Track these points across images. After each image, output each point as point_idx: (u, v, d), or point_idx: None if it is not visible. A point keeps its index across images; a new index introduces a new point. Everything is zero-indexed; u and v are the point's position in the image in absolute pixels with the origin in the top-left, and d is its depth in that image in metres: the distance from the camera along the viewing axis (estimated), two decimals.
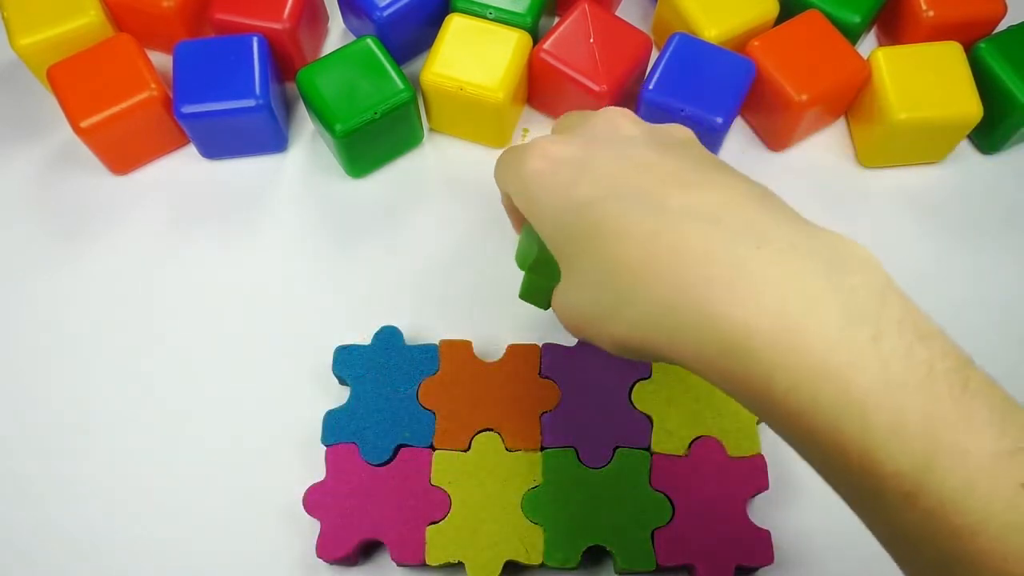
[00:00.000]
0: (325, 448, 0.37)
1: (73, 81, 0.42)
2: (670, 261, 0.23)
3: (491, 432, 0.38)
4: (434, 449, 0.37)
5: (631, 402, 0.38)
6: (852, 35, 0.45)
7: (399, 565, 0.37)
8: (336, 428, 0.37)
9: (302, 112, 0.48)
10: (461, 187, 0.46)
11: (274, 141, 0.46)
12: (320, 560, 0.36)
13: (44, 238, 0.45)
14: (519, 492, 0.36)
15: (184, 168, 0.46)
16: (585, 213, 0.25)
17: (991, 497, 0.19)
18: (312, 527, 0.36)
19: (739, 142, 0.47)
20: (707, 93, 0.42)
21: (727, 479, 0.36)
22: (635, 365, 0.38)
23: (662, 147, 0.27)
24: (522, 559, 0.35)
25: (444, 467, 0.37)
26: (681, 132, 0.29)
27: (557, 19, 0.47)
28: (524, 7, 0.44)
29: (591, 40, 0.43)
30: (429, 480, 0.37)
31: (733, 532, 0.36)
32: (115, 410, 0.41)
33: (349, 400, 0.38)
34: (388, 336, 0.39)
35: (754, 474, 0.37)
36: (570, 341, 0.39)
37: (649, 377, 0.38)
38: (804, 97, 0.42)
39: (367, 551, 0.38)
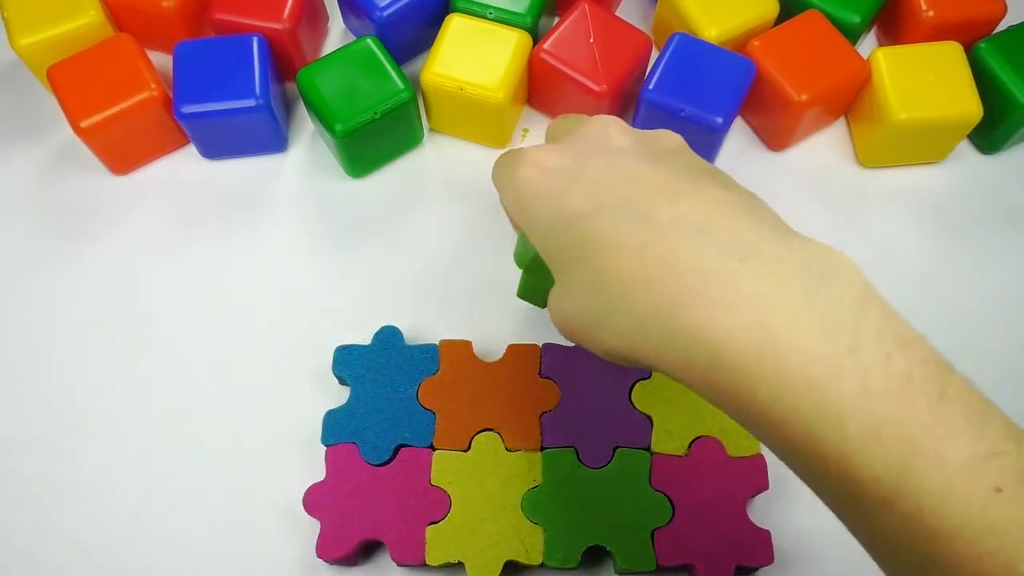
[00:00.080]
0: (325, 448, 0.37)
1: (73, 81, 0.42)
2: (658, 273, 0.24)
3: (491, 432, 0.38)
4: (434, 449, 0.37)
5: (631, 402, 0.38)
6: (852, 35, 0.45)
7: (399, 565, 0.37)
8: (336, 428, 0.37)
9: (302, 112, 0.48)
10: (461, 187, 0.46)
11: (274, 141, 0.46)
12: (320, 560, 0.36)
13: (44, 238, 0.45)
14: (519, 492, 0.36)
15: (184, 168, 0.46)
16: (576, 224, 0.26)
17: (967, 501, 0.20)
18: (312, 527, 0.36)
19: (739, 142, 0.47)
20: (707, 93, 0.42)
21: (727, 479, 0.36)
22: None
23: (652, 156, 0.27)
24: (522, 559, 0.35)
25: (444, 467, 0.37)
26: (671, 140, 0.29)
27: (557, 19, 0.47)
28: (524, 7, 0.44)
29: (591, 40, 0.43)
30: (429, 480, 0.37)
31: (733, 532, 0.36)
32: (115, 410, 0.41)
33: (349, 400, 0.38)
34: (388, 336, 0.39)
35: (754, 474, 0.37)
36: (570, 341, 0.39)
37: (649, 377, 0.38)
38: (804, 97, 0.42)
39: (367, 551, 0.38)
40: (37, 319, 0.43)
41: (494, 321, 0.42)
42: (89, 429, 0.40)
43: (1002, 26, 0.45)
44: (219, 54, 0.43)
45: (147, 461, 0.40)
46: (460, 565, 0.35)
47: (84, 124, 0.41)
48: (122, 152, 0.45)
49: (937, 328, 0.43)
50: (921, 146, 0.45)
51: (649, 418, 0.38)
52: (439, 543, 0.35)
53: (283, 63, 0.46)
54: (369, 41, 0.43)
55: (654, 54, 0.47)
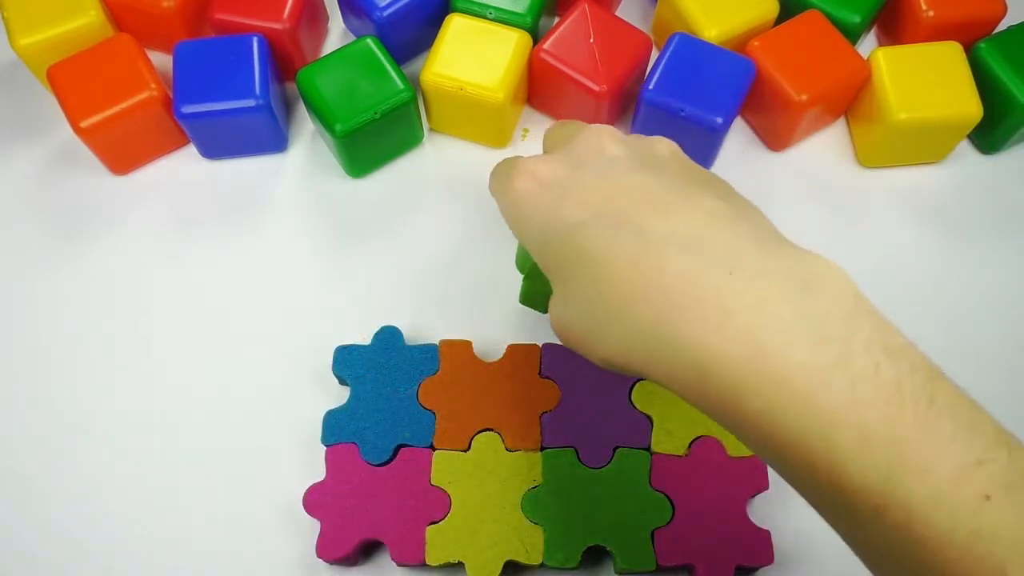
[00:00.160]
0: (325, 448, 0.37)
1: (73, 81, 0.42)
2: (649, 288, 0.24)
3: (491, 432, 0.38)
4: (434, 449, 0.37)
5: (631, 402, 0.38)
6: (852, 35, 0.45)
7: (399, 565, 0.37)
8: (336, 428, 0.37)
9: (302, 112, 0.48)
10: (461, 187, 0.46)
11: (274, 141, 0.46)
12: (320, 560, 0.36)
13: (44, 238, 0.45)
14: (519, 492, 0.36)
15: (184, 168, 0.46)
16: (569, 237, 0.26)
17: (956, 508, 0.20)
18: (312, 527, 0.36)
19: (739, 142, 0.47)
20: (707, 93, 0.42)
21: (727, 479, 0.36)
22: None
23: (646, 166, 0.28)
24: (522, 559, 0.35)
25: (444, 467, 0.37)
26: (664, 148, 0.29)
27: (557, 19, 0.47)
28: (524, 7, 0.44)
29: (591, 40, 0.43)
30: (429, 480, 0.37)
31: (733, 532, 0.36)
32: (114, 410, 0.41)
33: (349, 400, 0.38)
34: (388, 336, 0.39)
35: (754, 474, 0.37)
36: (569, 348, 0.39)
37: None
38: (804, 97, 0.42)
39: (367, 551, 0.38)
40: (37, 319, 0.43)
41: (494, 321, 0.42)
42: (89, 429, 0.40)
43: (1002, 26, 0.45)
44: (219, 54, 0.43)
45: (147, 461, 0.40)
46: (460, 565, 0.35)
47: (84, 124, 0.41)
48: (122, 152, 0.45)
49: (937, 328, 0.43)
50: (921, 146, 0.45)
51: (649, 418, 0.38)
52: (439, 543, 0.35)
53: (283, 63, 0.46)
54: (369, 41, 0.43)
55: (654, 54, 0.47)
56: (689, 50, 0.43)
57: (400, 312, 0.41)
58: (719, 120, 0.41)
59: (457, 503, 0.36)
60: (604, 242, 0.25)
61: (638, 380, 0.38)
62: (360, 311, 0.42)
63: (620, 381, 0.38)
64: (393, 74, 0.42)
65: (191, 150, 0.46)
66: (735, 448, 0.37)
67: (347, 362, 0.39)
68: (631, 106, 0.46)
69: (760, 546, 0.36)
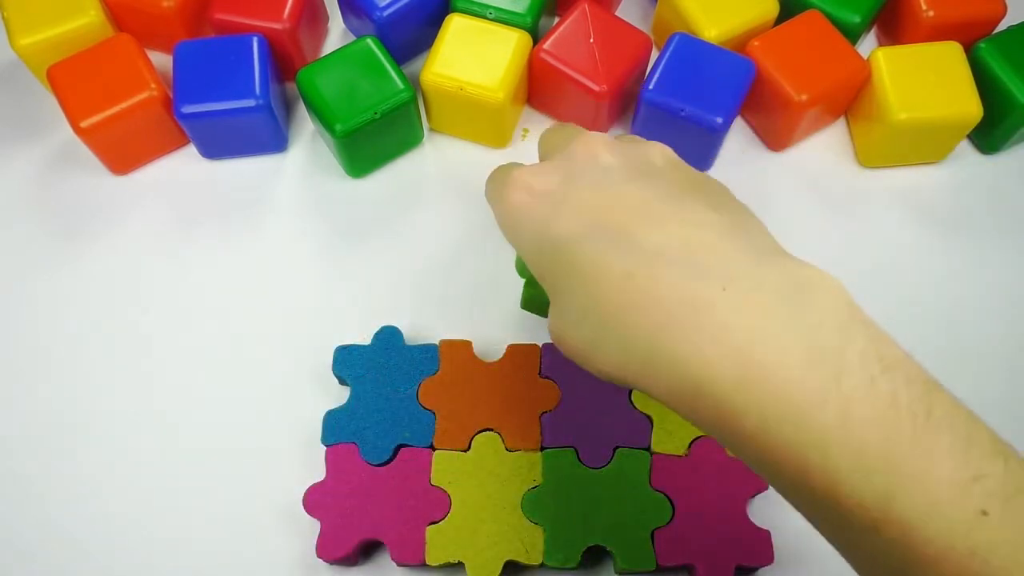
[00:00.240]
0: (325, 448, 0.37)
1: (73, 81, 0.42)
2: (643, 303, 0.24)
3: (491, 432, 0.38)
4: (434, 449, 0.37)
5: (631, 402, 0.38)
6: (852, 35, 0.45)
7: (399, 565, 0.37)
8: (336, 428, 0.37)
9: (302, 112, 0.48)
10: (461, 187, 0.46)
11: (274, 141, 0.46)
12: (320, 560, 0.36)
13: (44, 238, 0.45)
14: (519, 492, 0.36)
15: (184, 168, 0.46)
16: (562, 251, 0.26)
17: (952, 525, 0.20)
18: (312, 527, 0.36)
19: (739, 142, 0.47)
20: (707, 93, 0.42)
21: (727, 479, 0.36)
22: None
23: (639, 177, 0.27)
24: (522, 559, 0.35)
25: (444, 467, 0.37)
26: (659, 156, 0.29)
27: (557, 19, 0.47)
28: (524, 7, 0.44)
29: (591, 40, 0.43)
30: (429, 480, 0.37)
31: (733, 532, 0.36)
32: (114, 410, 0.41)
33: (349, 400, 0.38)
34: (388, 336, 0.39)
35: (754, 474, 0.36)
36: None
37: None
38: (804, 97, 0.42)
39: (367, 551, 0.38)
40: (37, 319, 0.43)
41: (494, 321, 0.42)
42: (89, 429, 0.40)
43: (1002, 26, 0.45)
44: (219, 54, 0.43)
45: (147, 461, 0.40)
46: (460, 565, 0.35)
47: (84, 124, 0.41)
48: (122, 152, 0.45)
49: (937, 328, 0.43)
50: (921, 146, 0.45)
51: (649, 418, 0.38)
52: (439, 543, 0.35)
53: (283, 63, 0.46)
54: (369, 41, 0.43)
55: (654, 54, 0.47)
56: (689, 50, 0.43)
57: (400, 312, 0.41)
58: (719, 120, 0.41)
59: (457, 503, 0.36)
60: (597, 256, 0.25)
61: None
62: (360, 311, 0.42)
63: None
64: (393, 74, 0.42)
65: (191, 150, 0.46)
66: None
67: (347, 362, 0.39)
68: (631, 106, 0.46)
69: (760, 546, 0.36)
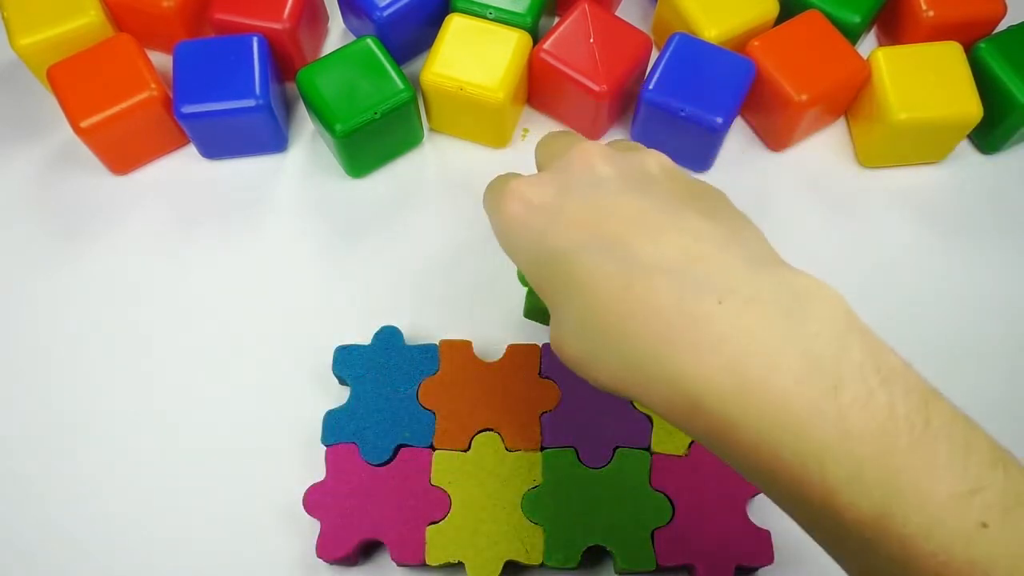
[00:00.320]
0: (325, 448, 0.37)
1: (73, 81, 0.42)
2: (639, 317, 0.24)
3: (491, 432, 0.38)
4: (434, 449, 0.37)
5: (631, 402, 0.38)
6: (852, 35, 0.45)
7: (399, 565, 0.37)
8: (336, 428, 0.37)
9: (302, 112, 0.48)
10: (461, 187, 0.46)
11: (274, 141, 0.46)
12: (320, 560, 0.36)
13: (44, 238, 0.45)
14: (519, 492, 0.36)
15: (184, 168, 0.46)
16: (558, 264, 0.26)
17: (951, 538, 0.20)
18: (312, 527, 0.36)
19: (739, 142, 0.47)
20: (707, 93, 0.42)
21: (727, 479, 0.36)
22: None
23: (635, 187, 0.27)
24: (522, 559, 0.35)
25: (444, 467, 0.37)
26: (655, 165, 0.28)
27: (557, 19, 0.47)
28: (524, 7, 0.44)
29: (591, 40, 0.43)
30: (429, 480, 0.37)
31: (733, 532, 0.36)
32: (114, 410, 0.41)
33: (349, 400, 0.38)
34: (388, 336, 0.39)
35: None
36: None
37: None
38: (804, 97, 0.42)
39: (367, 551, 0.38)
40: (37, 319, 0.43)
41: (494, 321, 0.42)
42: (89, 429, 0.40)
43: (1002, 26, 0.45)
44: (219, 54, 0.43)
45: (147, 461, 0.40)
46: (460, 565, 0.35)
47: (84, 124, 0.41)
48: (122, 152, 0.45)
49: (937, 328, 0.43)
50: (921, 146, 0.45)
51: (649, 418, 0.38)
52: (439, 543, 0.35)
53: (283, 63, 0.46)
54: (369, 41, 0.43)
55: (654, 54, 0.47)
56: (689, 50, 0.43)
57: (400, 312, 0.41)
58: (719, 120, 0.41)
59: (457, 503, 0.36)
60: (593, 268, 0.25)
61: None
62: (360, 311, 0.42)
63: None
64: (393, 74, 0.42)
65: (191, 150, 0.46)
66: None
67: (347, 362, 0.39)
68: (631, 106, 0.46)
69: (760, 546, 0.36)
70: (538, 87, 0.46)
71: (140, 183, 0.46)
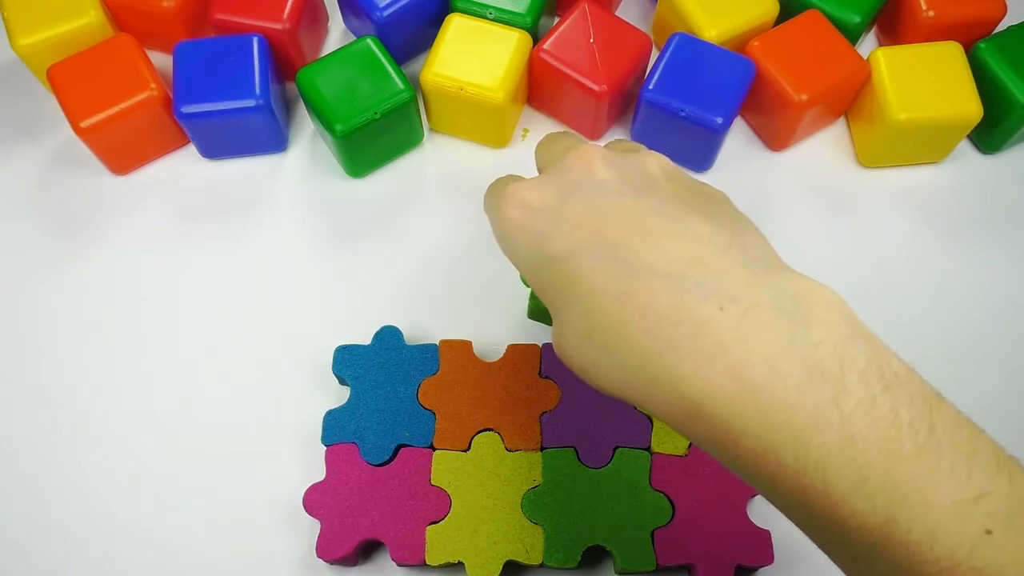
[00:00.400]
0: (325, 448, 0.37)
1: (73, 81, 0.42)
2: (639, 323, 0.23)
3: (491, 432, 0.38)
4: (434, 449, 0.37)
5: None
6: (852, 35, 0.45)
7: (399, 565, 0.37)
8: (336, 428, 0.37)
9: (302, 112, 0.48)
10: (461, 187, 0.46)
11: (274, 141, 0.46)
12: (320, 560, 0.36)
13: (44, 238, 0.45)
14: (519, 492, 0.36)
15: (184, 168, 0.46)
16: (559, 268, 0.26)
17: (956, 545, 0.20)
18: (312, 527, 0.36)
19: (739, 142, 0.47)
20: (707, 93, 0.42)
21: (727, 479, 0.36)
22: None
23: (635, 191, 0.27)
24: (522, 559, 0.35)
25: (444, 467, 0.37)
26: (655, 166, 0.28)
27: (557, 19, 0.47)
28: (524, 7, 0.44)
29: (591, 40, 0.43)
30: (429, 480, 0.37)
31: (733, 532, 0.36)
32: (114, 410, 0.41)
33: (349, 400, 0.38)
34: (388, 336, 0.39)
35: None
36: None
37: None
38: (804, 97, 0.42)
39: (367, 551, 0.38)
40: (37, 319, 0.43)
41: (494, 321, 0.42)
42: (89, 429, 0.40)
43: (1002, 26, 0.45)
44: (219, 54, 0.43)
45: (147, 460, 0.40)
46: (460, 565, 0.35)
47: (84, 124, 0.41)
48: (122, 152, 0.45)
49: (937, 328, 0.43)
50: (921, 146, 0.45)
51: (649, 418, 0.38)
52: (439, 543, 0.35)
53: (283, 63, 0.46)
54: (369, 41, 0.43)
55: (654, 54, 0.47)
56: (689, 50, 0.43)
57: (400, 312, 0.41)
58: (719, 120, 0.41)
59: (457, 503, 0.36)
60: (593, 273, 0.25)
61: None
62: (360, 311, 0.42)
63: None
64: (393, 74, 0.42)
65: (191, 150, 0.46)
66: None
67: (347, 362, 0.39)
68: (631, 106, 0.46)
69: (760, 546, 0.36)
70: (538, 87, 0.46)
71: (140, 183, 0.46)
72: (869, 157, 0.46)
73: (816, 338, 0.22)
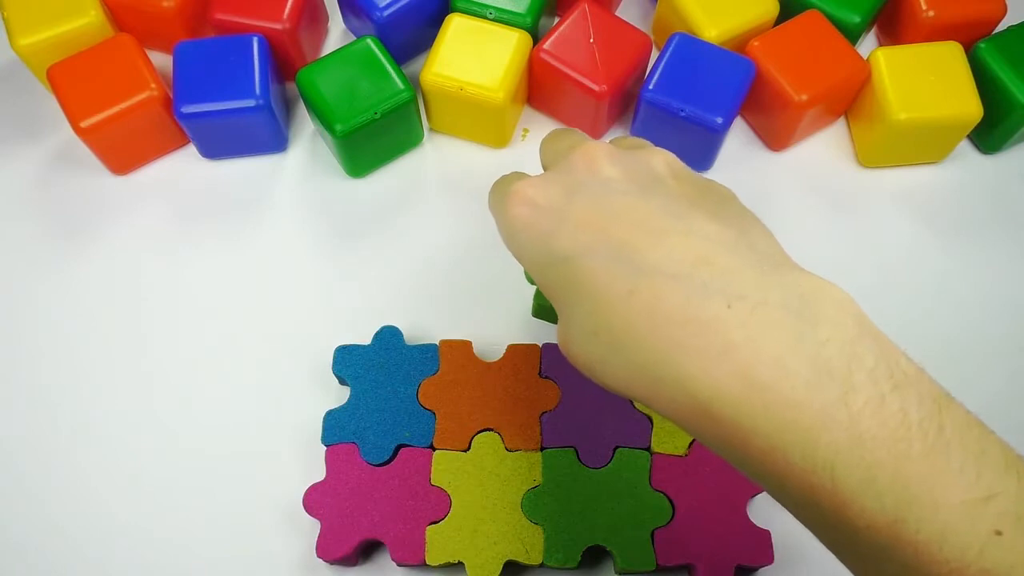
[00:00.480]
0: (325, 448, 0.37)
1: (73, 81, 0.42)
2: (647, 322, 0.23)
3: (491, 432, 0.38)
4: (434, 449, 0.37)
5: (631, 402, 0.38)
6: (852, 35, 0.45)
7: (399, 565, 0.37)
8: (336, 428, 0.37)
9: (302, 112, 0.48)
10: (461, 187, 0.46)
11: (274, 141, 0.46)
12: (320, 560, 0.36)
13: (44, 238, 0.45)
14: (519, 492, 0.36)
15: (184, 168, 0.46)
16: (565, 268, 0.26)
17: (965, 546, 0.19)
18: (312, 527, 0.36)
19: (739, 142, 0.47)
20: (707, 93, 0.42)
21: (727, 479, 0.36)
22: None
23: (641, 189, 0.27)
24: (522, 559, 0.35)
25: (444, 467, 0.37)
26: (661, 164, 0.28)
27: (557, 19, 0.47)
28: (524, 7, 0.44)
29: (591, 40, 0.43)
30: (429, 480, 0.37)
31: (733, 532, 0.36)
32: (114, 410, 0.41)
33: (349, 400, 0.38)
34: (388, 336, 0.39)
35: None
36: None
37: None
38: (804, 97, 0.42)
39: (367, 551, 0.38)
40: (37, 319, 0.43)
41: (494, 321, 0.42)
42: (89, 429, 0.40)
43: (1002, 26, 0.45)
44: (219, 54, 0.43)
45: (147, 460, 0.40)
46: (460, 565, 0.35)
47: (84, 124, 0.41)
48: (122, 152, 0.45)
49: (937, 328, 0.43)
50: (921, 146, 0.45)
51: (649, 418, 0.38)
52: (439, 543, 0.35)
53: (283, 63, 0.46)
54: (369, 41, 0.43)
55: (654, 54, 0.47)
56: (689, 50, 0.43)
57: (400, 312, 0.41)
58: (719, 120, 0.41)
59: (457, 503, 0.36)
60: (600, 272, 0.25)
61: None
62: (360, 311, 0.42)
63: None
64: (393, 74, 0.42)
65: (191, 150, 0.46)
66: None
67: (347, 362, 0.39)
68: (631, 106, 0.46)
69: (760, 546, 0.36)
70: (538, 87, 0.46)
71: (140, 183, 0.46)
72: (869, 157, 0.46)
73: (824, 336, 0.22)
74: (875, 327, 0.22)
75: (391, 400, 0.38)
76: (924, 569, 0.20)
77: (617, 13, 0.50)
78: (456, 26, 0.44)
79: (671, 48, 0.43)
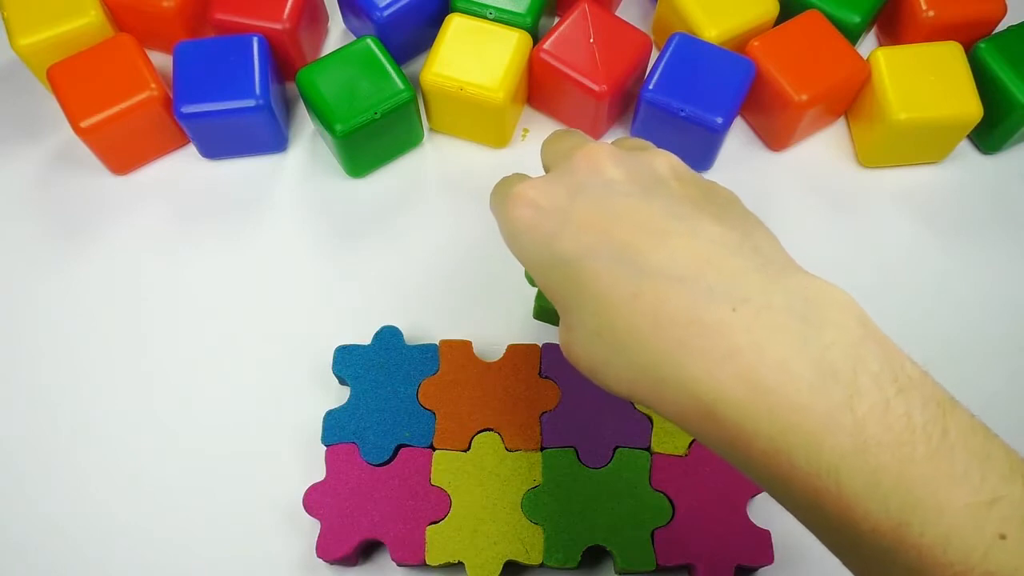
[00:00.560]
0: (325, 448, 0.37)
1: (73, 81, 0.42)
2: (650, 326, 0.23)
3: (491, 432, 0.38)
4: (434, 449, 0.37)
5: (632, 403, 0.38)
6: (852, 35, 0.45)
7: (399, 565, 0.37)
8: (336, 428, 0.37)
9: (302, 112, 0.48)
10: (461, 187, 0.46)
11: (274, 141, 0.46)
12: (320, 560, 0.36)
13: (44, 238, 0.45)
14: (519, 492, 0.36)
15: (184, 168, 0.46)
16: (568, 269, 0.26)
17: (969, 549, 0.19)
18: (312, 527, 0.36)
19: (739, 142, 0.47)
20: (707, 93, 0.42)
21: (727, 479, 0.36)
22: None
23: (644, 191, 0.27)
24: (522, 559, 0.35)
25: (444, 467, 0.37)
26: (664, 165, 0.28)
27: (557, 19, 0.47)
28: (524, 7, 0.44)
29: (591, 40, 0.43)
30: (429, 480, 0.37)
31: (733, 532, 0.36)
32: (114, 410, 0.41)
33: (349, 400, 0.38)
34: (388, 336, 0.39)
35: None
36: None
37: None
38: (804, 97, 0.42)
39: (367, 551, 0.38)
40: (37, 319, 0.43)
41: (494, 321, 0.42)
42: (88, 429, 0.40)
43: (1002, 26, 0.45)
44: (219, 54, 0.43)
45: (147, 460, 0.40)
46: (460, 565, 0.35)
47: (84, 124, 0.41)
48: (122, 152, 0.45)
49: (937, 328, 0.43)
50: (921, 146, 0.45)
51: (649, 418, 0.38)
52: (439, 543, 0.35)
53: (283, 63, 0.46)
54: (369, 41, 0.43)
55: (654, 54, 0.47)
56: (689, 50, 0.43)
57: (400, 312, 0.41)
58: (719, 120, 0.41)
59: (457, 503, 0.36)
60: (603, 274, 0.25)
61: None
62: (360, 311, 0.42)
63: None
64: (393, 74, 0.42)
65: (191, 150, 0.46)
66: None
67: (347, 362, 0.39)
68: (631, 106, 0.46)
69: (760, 546, 0.36)
70: (538, 87, 0.46)
71: (140, 183, 0.46)
72: (869, 157, 0.46)
73: (828, 340, 0.22)
74: (879, 330, 0.22)
75: (391, 400, 0.38)
76: (928, 572, 0.20)
77: (617, 13, 0.50)
78: (456, 26, 0.44)
79: (671, 48, 0.43)
